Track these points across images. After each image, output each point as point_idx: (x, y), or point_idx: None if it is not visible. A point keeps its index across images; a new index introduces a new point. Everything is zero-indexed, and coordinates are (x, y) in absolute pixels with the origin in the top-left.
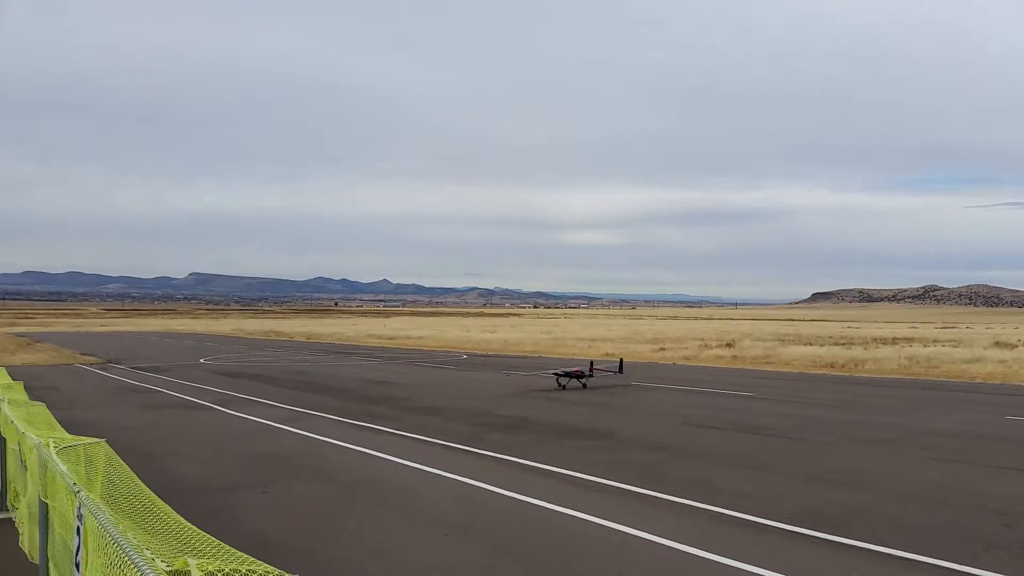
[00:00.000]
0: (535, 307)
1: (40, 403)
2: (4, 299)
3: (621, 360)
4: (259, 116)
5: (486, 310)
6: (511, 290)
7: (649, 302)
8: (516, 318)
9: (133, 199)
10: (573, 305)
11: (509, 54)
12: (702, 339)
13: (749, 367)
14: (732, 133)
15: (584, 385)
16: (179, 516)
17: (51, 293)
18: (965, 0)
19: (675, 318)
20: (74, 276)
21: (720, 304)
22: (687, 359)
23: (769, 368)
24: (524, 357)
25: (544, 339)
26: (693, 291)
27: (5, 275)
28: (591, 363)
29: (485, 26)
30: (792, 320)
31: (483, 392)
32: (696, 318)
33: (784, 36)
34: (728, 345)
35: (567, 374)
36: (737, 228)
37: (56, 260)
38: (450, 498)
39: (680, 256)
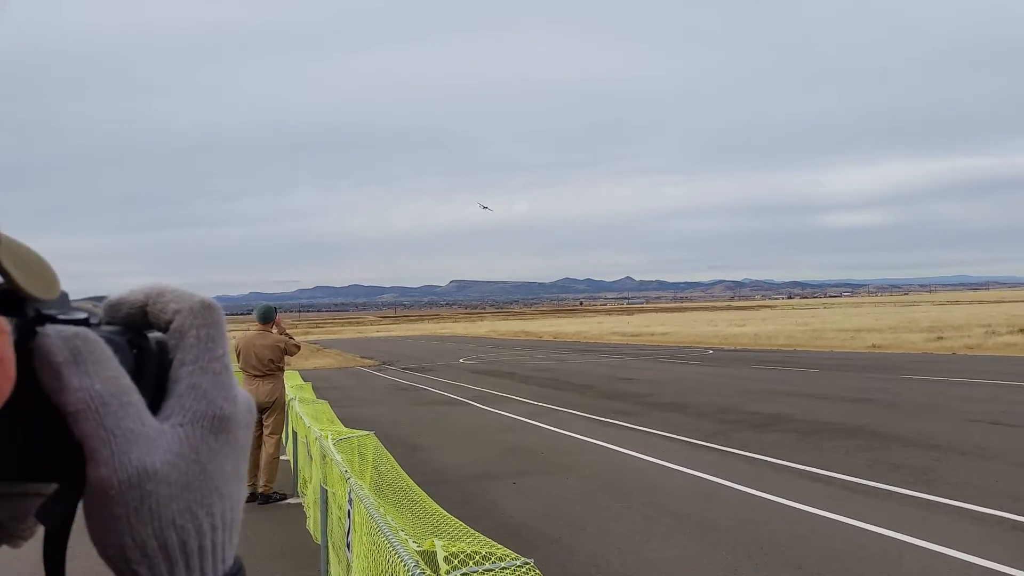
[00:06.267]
0: (789, 298)
1: (324, 401)
2: (299, 312)
3: None
4: (512, 130)
5: (734, 303)
6: (761, 281)
7: (925, 286)
8: (768, 310)
9: (404, 217)
10: (833, 294)
11: (768, 34)
12: (988, 325)
13: None
14: None
15: None
16: (434, 502)
17: (336, 304)
18: None
19: (956, 303)
20: (355, 288)
21: (1012, 285)
22: (970, 348)
23: None
24: (777, 351)
25: (800, 331)
26: (978, 271)
27: (300, 290)
28: None
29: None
30: None
31: (730, 388)
32: (981, 301)
33: None
34: (1023, 331)
35: None
36: None
37: (341, 275)
38: (694, 495)
39: (964, 233)
